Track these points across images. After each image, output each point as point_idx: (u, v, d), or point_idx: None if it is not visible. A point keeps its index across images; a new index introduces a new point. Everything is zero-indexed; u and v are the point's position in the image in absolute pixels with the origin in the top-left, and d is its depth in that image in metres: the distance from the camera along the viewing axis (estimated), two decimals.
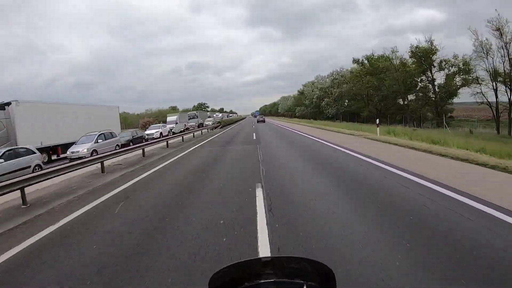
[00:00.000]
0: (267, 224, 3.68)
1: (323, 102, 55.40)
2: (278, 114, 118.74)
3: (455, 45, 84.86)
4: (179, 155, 12.01)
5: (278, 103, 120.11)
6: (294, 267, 0.85)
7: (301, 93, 74.10)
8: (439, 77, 35.24)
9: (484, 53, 27.28)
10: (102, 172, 8.82)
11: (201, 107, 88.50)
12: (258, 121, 49.70)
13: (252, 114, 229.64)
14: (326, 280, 0.80)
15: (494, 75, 26.80)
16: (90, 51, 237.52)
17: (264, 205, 4.45)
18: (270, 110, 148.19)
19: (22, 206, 5.66)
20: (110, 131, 16.50)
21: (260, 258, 0.87)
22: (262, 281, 0.81)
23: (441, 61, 34.10)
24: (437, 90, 35.26)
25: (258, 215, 4.05)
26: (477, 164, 6.74)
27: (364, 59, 44.30)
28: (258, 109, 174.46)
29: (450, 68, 33.67)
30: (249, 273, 0.83)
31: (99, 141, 14.78)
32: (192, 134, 24.57)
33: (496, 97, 26.46)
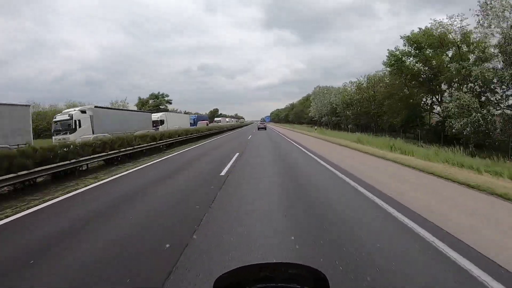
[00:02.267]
0: None
1: None
2: (300, 121, 77.59)
3: None
4: None
5: (298, 105, 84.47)
6: (292, 273, 0.93)
7: (396, 64, 25.28)
8: None
9: None
10: None
11: (155, 99, 41.88)
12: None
13: (262, 120, 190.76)
14: (320, 286, 0.87)
15: None
16: (100, 49, 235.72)
17: None
18: (287, 115, 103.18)
19: None
20: None
21: (260, 264, 0.93)
22: (261, 285, 0.86)
23: None
24: None
25: None
26: None
27: None
28: (269, 114, 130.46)
29: None
30: (249, 277, 0.90)
31: None
32: None
33: None
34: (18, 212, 4.69)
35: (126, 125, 20.74)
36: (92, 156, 8.92)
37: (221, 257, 2.78)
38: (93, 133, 16.86)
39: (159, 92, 48.35)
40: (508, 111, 18.35)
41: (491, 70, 18.61)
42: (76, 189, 6.32)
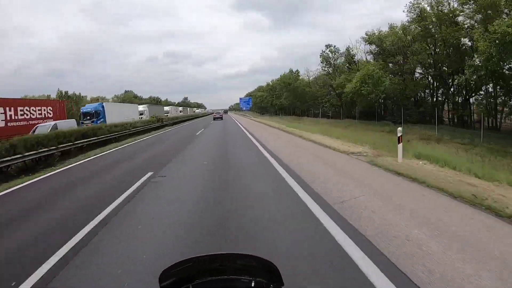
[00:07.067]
0: None
1: None
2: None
3: None
4: None
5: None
6: (242, 264, 0.94)
7: None
8: None
9: None
10: None
11: None
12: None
13: (230, 109, 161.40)
14: (272, 276, 0.88)
15: None
16: (60, 35, 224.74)
17: None
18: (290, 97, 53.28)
19: None
20: None
21: (208, 255, 0.93)
22: (213, 278, 0.87)
23: None
24: None
25: None
26: None
27: None
28: (246, 96, 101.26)
29: None
30: (198, 269, 0.90)
31: None
32: None
33: None
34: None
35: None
36: None
37: None
38: None
39: None
40: None
41: None
42: None
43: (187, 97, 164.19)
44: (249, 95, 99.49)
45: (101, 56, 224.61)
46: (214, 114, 50.35)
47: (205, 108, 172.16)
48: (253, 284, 0.84)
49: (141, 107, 40.77)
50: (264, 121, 33.66)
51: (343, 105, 40.35)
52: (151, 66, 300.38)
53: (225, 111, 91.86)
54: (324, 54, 43.04)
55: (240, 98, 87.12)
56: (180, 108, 77.85)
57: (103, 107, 27.46)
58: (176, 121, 37.98)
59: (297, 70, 55.91)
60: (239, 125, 27.56)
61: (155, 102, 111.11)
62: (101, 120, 26.29)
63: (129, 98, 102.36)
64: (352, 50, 42.02)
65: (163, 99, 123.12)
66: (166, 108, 58.36)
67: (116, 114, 27.99)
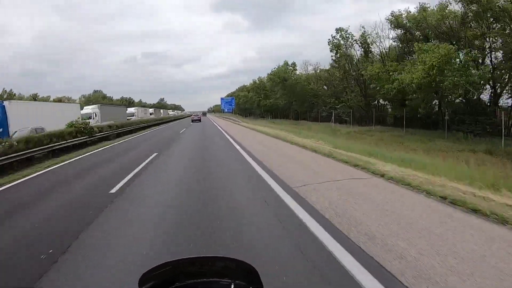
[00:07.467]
0: None
1: None
2: None
3: None
4: None
5: None
6: (221, 267, 0.94)
7: None
8: None
9: None
10: None
11: None
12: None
13: (209, 111, 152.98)
14: (251, 278, 0.88)
15: None
16: (35, 34, 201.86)
17: None
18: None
19: None
20: None
21: (188, 258, 0.94)
22: (192, 281, 0.87)
23: None
24: None
25: None
26: None
27: None
28: (227, 96, 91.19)
29: None
30: (178, 272, 0.90)
31: None
32: None
33: None
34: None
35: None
36: None
37: None
38: None
39: None
40: None
41: None
42: None
43: (163, 98, 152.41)
44: (231, 95, 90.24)
45: (78, 57, 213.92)
46: (192, 116, 50.84)
47: (183, 110, 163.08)
48: (232, 287, 0.84)
49: (88, 109, 30.11)
50: (265, 130, 20.32)
51: (373, 107, 31.06)
52: (129, 66, 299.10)
53: (204, 113, 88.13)
54: (335, 40, 33.70)
55: (222, 98, 76.40)
56: (151, 110, 66.30)
57: (3, 107, 16.77)
58: (134, 128, 25.59)
59: (293, 63, 47.15)
60: (228, 137, 16.48)
61: (126, 102, 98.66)
62: None
63: (97, 98, 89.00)
64: (369, 37, 34.17)
65: (139, 100, 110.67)
66: (130, 110, 47.24)
67: (31, 120, 17.27)
